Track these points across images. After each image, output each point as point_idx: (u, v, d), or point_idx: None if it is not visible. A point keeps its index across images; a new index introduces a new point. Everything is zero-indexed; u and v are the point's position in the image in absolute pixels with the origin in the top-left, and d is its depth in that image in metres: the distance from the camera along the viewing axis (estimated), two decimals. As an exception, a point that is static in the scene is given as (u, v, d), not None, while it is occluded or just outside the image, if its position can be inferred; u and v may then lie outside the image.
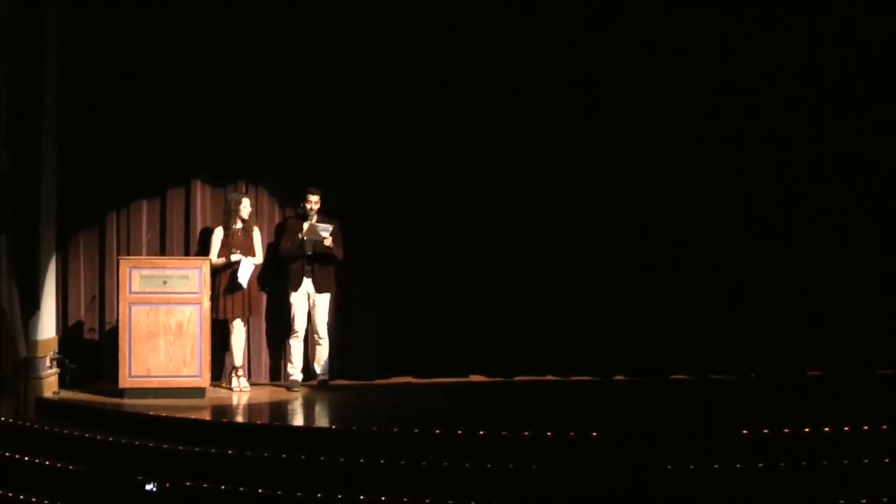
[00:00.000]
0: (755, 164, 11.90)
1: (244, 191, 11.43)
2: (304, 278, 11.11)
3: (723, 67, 11.90)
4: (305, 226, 11.07)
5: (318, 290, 11.14)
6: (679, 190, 11.83)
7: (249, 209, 11.14)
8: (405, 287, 11.78)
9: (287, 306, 11.19)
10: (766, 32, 11.87)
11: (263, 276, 11.23)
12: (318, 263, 11.14)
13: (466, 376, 11.78)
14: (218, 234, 11.07)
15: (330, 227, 10.99)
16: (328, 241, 11.00)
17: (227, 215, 11.12)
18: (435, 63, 11.84)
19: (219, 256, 10.92)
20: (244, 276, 10.79)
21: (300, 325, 11.15)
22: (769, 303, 11.77)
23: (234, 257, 10.83)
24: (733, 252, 11.79)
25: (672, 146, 11.84)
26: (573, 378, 11.77)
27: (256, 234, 11.17)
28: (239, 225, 11.07)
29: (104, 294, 11.35)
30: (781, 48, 11.89)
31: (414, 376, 11.78)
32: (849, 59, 11.92)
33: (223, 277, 10.89)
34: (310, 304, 11.16)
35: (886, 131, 11.84)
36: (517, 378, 11.77)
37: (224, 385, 11.17)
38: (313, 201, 11.11)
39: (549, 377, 11.81)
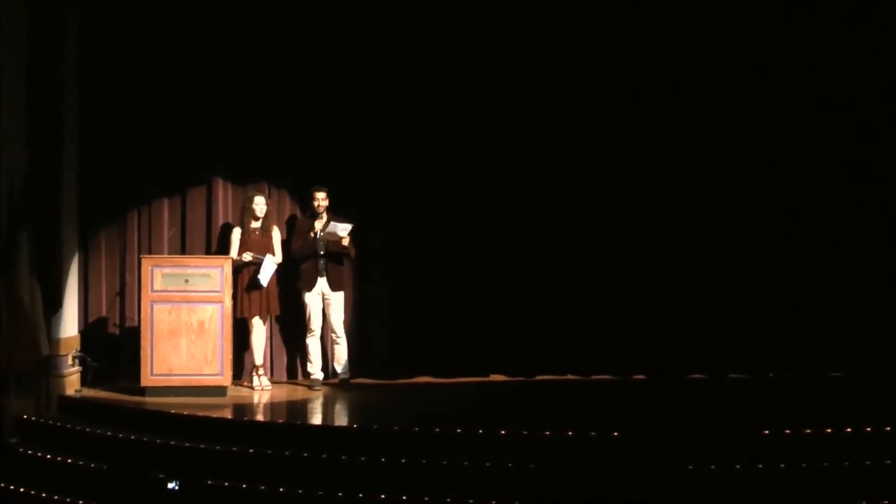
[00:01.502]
0: (765, 163, 11.82)
1: (266, 190, 11.45)
2: (318, 277, 11.11)
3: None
4: (318, 225, 11.07)
5: (333, 288, 11.15)
6: (694, 191, 11.77)
7: (265, 207, 11.13)
8: (425, 286, 11.76)
9: (302, 305, 11.21)
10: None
11: (280, 274, 11.23)
12: (331, 262, 11.14)
13: (487, 376, 11.76)
14: (236, 233, 11.09)
15: (349, 227, 11.00)
16: (346, 241, 11.02)
17: (243, 214, 11.15)
18: (442, 63, 11.83)
19: (238, 255, 10.94)
20: (265, 275, 10.80)
21: (316, 324, 11.15)
22: (789, 303, 11.72)
23: (245, 257, 10.85)
24: (753, 252, 11.75)
25: (690, 149, 11.82)
26: (593, 377, 11.75)
27: (276, 234, 11.17)
28: (256, 224, 11.08)
29: (125, 292, 11.39)
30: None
31: (434, 376, 11.76)
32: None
33: (243, 276, 10.90)
34: (324, 302, 11.18)
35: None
36: (537, 377, 11.75)
37: (245, 384, 11.19)
38: (320, 198, 11.13)
39: (570, 376, 11.78)
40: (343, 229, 10.95)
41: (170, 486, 8.00)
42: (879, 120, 11.78)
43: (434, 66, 11.83)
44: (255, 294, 10.88)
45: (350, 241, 11.11)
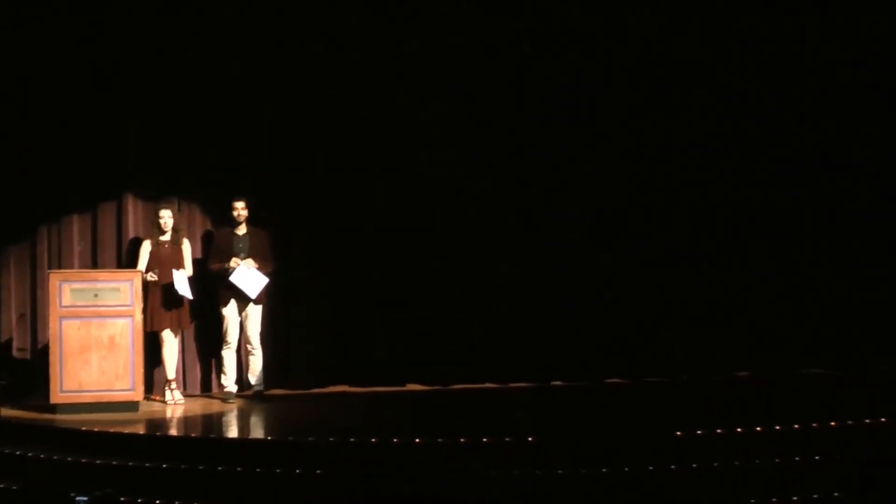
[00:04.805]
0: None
1: (176, 204, 11.34)
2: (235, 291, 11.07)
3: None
4: (235, 276, 10.94)
5: (253, 301, 11.09)
6: (608, 196, 11.92)
7: (170, 221, 11.01)
8: (343, 295, 11.74)
9: (219, 318, 11.13)
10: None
11: (193, 288, 11.12)
12: None
13: (403, 385, 11.75)
14: (145, 247, 10.99)
15: (261, 280, 10.98)
16: (262, 269, 11.01)
17: (152, 227, 11.07)
18: (367, 76, 11.81)
19: (147, 268, 10.82)
20: (183, 288, 10.71)
21: (232, 336, 11.09)
22: (699, 306, 11.88)
23: (149, 277, 10.74)
24: (661, 258, 11.87)
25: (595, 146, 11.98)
26: (511, 385, 11.77)
27: (186, 247, 11.09)
28: (165, 237, 10.99)
29: (36, 308, 11.25)
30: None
31: (351, 385, 11.72)
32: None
33: (153, 289, 10.79)
34: (242, 315, 11.12)
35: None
36: (454, 386, 11.76)
37: (158, 398, 11.07)
38: (239, 208, 11.10)
39: (488, 385, 11.78)
40: (252, 283, 10.93)
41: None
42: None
43: (365, 78, 11.80)
44: (166, 307, 10.79)
45: (266, 257, 11.10)
